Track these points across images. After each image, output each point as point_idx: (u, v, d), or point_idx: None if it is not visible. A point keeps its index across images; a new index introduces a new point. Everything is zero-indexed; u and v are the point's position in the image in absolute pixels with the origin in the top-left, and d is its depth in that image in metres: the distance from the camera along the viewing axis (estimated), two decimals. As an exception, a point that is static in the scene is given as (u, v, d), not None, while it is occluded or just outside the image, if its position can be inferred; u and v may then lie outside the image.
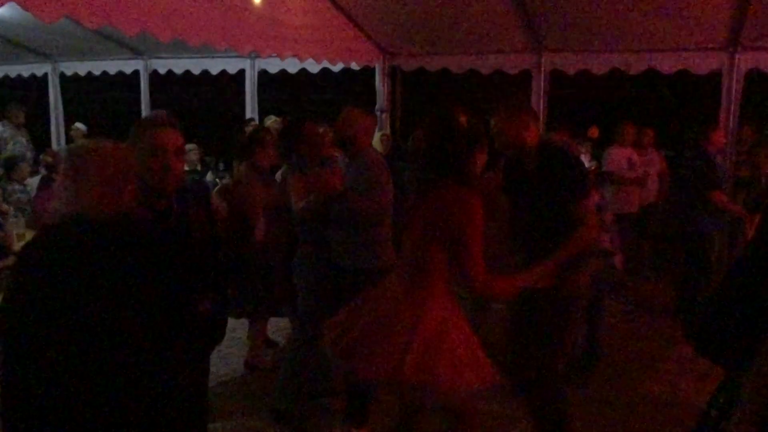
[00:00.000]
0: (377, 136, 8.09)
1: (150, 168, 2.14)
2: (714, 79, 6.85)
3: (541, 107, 7.35)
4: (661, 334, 5.25)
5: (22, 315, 1.74)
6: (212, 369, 4.18)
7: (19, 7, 3.80)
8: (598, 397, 4.06)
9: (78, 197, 1.80)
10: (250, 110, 8.51)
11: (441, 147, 2.54)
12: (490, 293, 2.56)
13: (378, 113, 8.52)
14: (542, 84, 7.38)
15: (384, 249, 3.46)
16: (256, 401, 3.89)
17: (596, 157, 7.40)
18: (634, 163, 6.65)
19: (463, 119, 2.58)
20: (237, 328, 4.99)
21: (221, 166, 7.80)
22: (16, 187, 6.24)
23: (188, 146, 7.78)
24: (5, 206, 5.27)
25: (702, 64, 6.73)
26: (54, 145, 9.43)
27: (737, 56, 6.58)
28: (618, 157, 6.67)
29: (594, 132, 7.97)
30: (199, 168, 7.62)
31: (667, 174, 7.00)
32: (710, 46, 6.61)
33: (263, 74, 8.51)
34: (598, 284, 4.12)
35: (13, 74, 9.57)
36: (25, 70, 9.41)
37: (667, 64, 6.84)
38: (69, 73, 9.28)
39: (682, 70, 6.82)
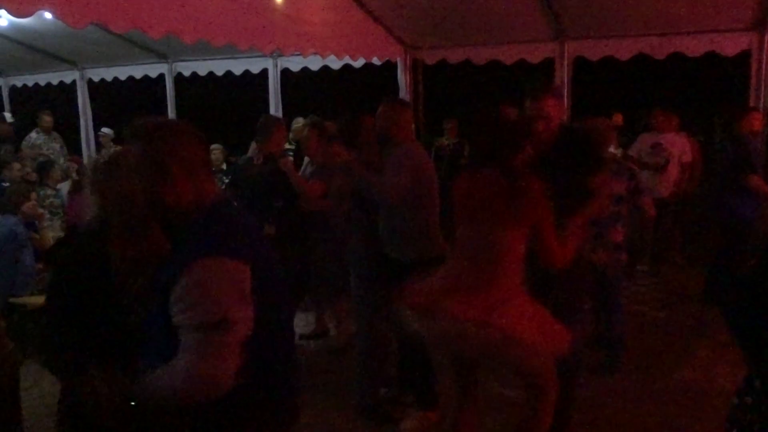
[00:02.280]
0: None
1: None
2: (742, 60, 6.71)
3: (565, 95, 7.29)
4: (695, 321, 5.19)
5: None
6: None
7: (45, 17, 3.89)
8: (632, 386, 4.04)
9: (101, 207, 1.85)
10: (274, 109, 8.57)
11: (497, 139, 2.75)
12: (565, 263, 2.73)
13: (401, 107, 8.52)
14: (566, 72, 7.31)
15: (428, 241, 3.49)
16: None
17: (623, 144, 7.31)
18: (661, 149, 6.54)
19: (512, 113, 2.80)
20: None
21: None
22: (49, 191, 6.39)
23: (213, 146, 7.89)
24: (40, 210, 5.40)
25: (730, 45, 6.59)
26: (84, 150, 9.63)
27: (767, 35, 6.43)
28: (642, 142, 6.60)
29: (618, 119, 7.87)
30: (224, 167, 7.72)
31: (700, 160, 6.88)
32: (738, 26, 6.48)
33: (286, 73, 8.57)
34: (609, 278, 4.10)
35: (42, 82, 9.79)
36: (54, 77, 9.62)
37: (694, 47, 6.71)
38: (96, 79, 9.45)
39: (710, 52, 6.70)
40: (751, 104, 6.52)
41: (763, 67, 6.50)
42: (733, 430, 1.71)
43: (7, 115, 8.91)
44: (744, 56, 6.62)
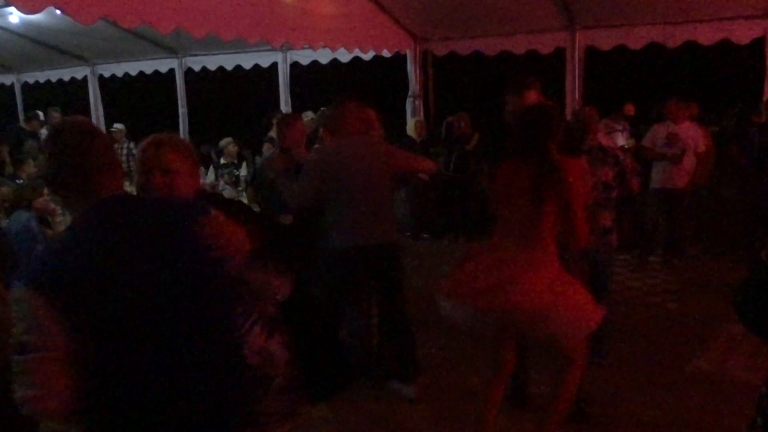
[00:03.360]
0: (412, 122, 8.09)
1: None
2: (756, 48, 6.63)
3: (577, 86, 7.23)
4: (709, 312, 5.13)
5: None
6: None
7: (56, 13, 3.91)
8: (644, 378, 4.01)
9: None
10: (284, 102, 8.58)
11: (542, 125, 2.92)
12: (586, 242, 2.96)
13: (411, 99, 8.51)
14: (577, 62, 7.25)
15: (342, 230, 3.62)
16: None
17: (635, 136, 7.25)
18: (676, 140, 6.45)
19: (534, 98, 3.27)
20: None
21: (257, 159, 7.90)
22: (63, 187, 6.43)
23: (225, 140, 7.92)
24: (52, 205, 5.44)
25: (743, 33, 6.52)
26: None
27: (781, 23, 6.36)
28: (656, 133, 6.52)
29: (630, 109, 7.80)
30: (236, 161, 7.76)
31: (713, 150, 6.80)
32: (752, 13, 6.39)
33: (295, 66, 8.57)
34: (600, 261, 4.05)
35: (54, 78, 9.86)
36: (65, 74, 9.69)
37: (707, 35, 6.64)
38: (107, 75, 9.51)
39: (723, 40, 6.62)
40: (766, 92, 6.44)
41: (777, 54, 6.43)
42: (758, 419, 1.69)
43: (40, 113, 9.03)
44: (758, 44, 6.54)
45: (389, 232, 3.74)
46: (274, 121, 7.84)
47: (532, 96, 3.41)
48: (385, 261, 3.73)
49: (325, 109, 5.66)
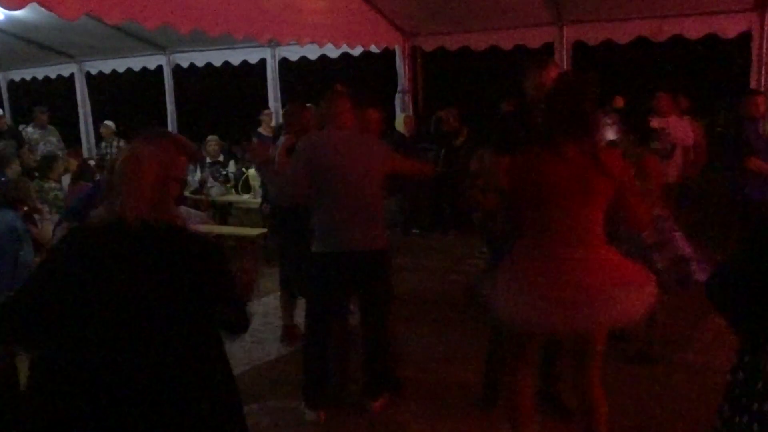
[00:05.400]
0: (401, 117, 8.08)
1: None
2: (743, 42, 6.66)
3: (565, 80, 7.23)
4: (696, 305, 5.16)
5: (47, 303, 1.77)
6: (246, 354, 4.31)
7: (42, 9, 3.87)
8: (632, 369, 4.03)
9: (123, 203, 1.81)
10: (273, 99, 8.55)
11: (579, 109, 2.52)
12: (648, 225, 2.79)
13: (400, 95, 8.50)
14: (565, 56, 7.26)
15: (326, 232, 3.36)
16: (289, 385, 3.95)
17: (624, 129, 7.26)
18: (665, 135, 6.46)
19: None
20: (269, 313, 5.07)
21: (246, 155, 7.87)
22: (53, 185, 6.38)
23: (209, 138, 7.89)
24: (40, 205, 5.40)
25: (730, 27, 6.55)
26: (84, 144, 9.64)
27: (767, 16, 6.38)
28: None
29: (619, 102, 7.81)
30: (221, 159, 7.72)
31: (704, 144, 6.83)
32: (738, 7, 6.42)
33: (284, 63, 8.54)
34: None
35: (40, 76, 9.79)
36: (52, 71, 9.62)
37: (694, 29, 6.67)
38: (94, 72, 9.45)
39: (710, 34, 6.65)
40: (752, 86, 6.48)
41: (764, 48, 6.46)
42: (725, 406, 1.72)
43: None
44: (744, 38, 6.57)
45: (378, 238, 3.42)
46: (261, 118, 7.84)
47: (554, 72, 3.03)
48: (371, 270, 3.42)
49: (311, 105, 5.60)
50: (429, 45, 8.08)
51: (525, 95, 3.19)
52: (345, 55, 7.92)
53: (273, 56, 8.42)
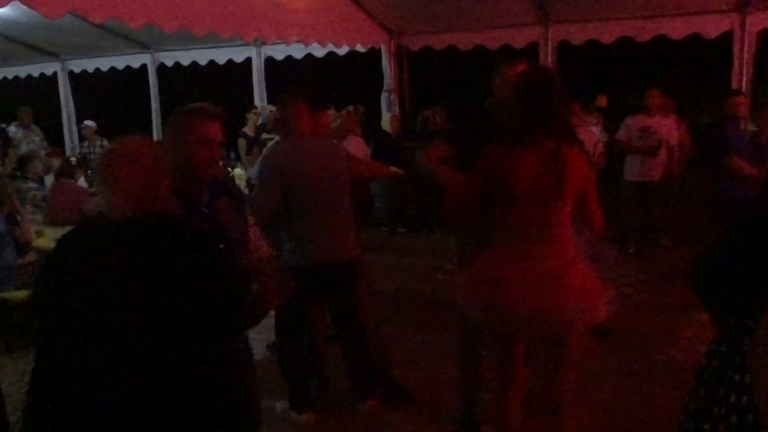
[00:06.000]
0: (387, 117, 8.09)
1: (196, 157, 2.17)
2: (725, 42, 6.75)
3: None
4: (679, 302, 5.23)
5: (50, 309, 1.79)
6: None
7: (25, 7, 3.83)
8: (615, 366, 4.07)
9: (110, 198, 1.81)
10: (259, 98, 8.53)
11: (548, 105, 2.49)
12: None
13: (386, 94, 8.51)
14: (550, 56, 7.31)
15: (298, 244, 3.24)
16: (276, 384, 3.94)
17: (609, 128, 7.33)
18: (651, 133, 6.51)
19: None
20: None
21: (232, 155, 7.85)
22: (32, 184, 6.32)
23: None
24: (18, 205, 5.36)
25: (712, 27, 6.64)
26: (67, 142, 9.55)
27: (748, 17, 6.47)
28: (630, 126, 6.59)
29: (602, 101, 7.88)
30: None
31: (689, 142, 6.91)
32: (720, 8, 6.51)
33: (270, 61, 8.52)
34: None
35: (23, 74, 9.68)
36: (34, 69, 9.52)
37: (677, 29, 6.75)
38: (78, 70, 9.36)
39: (692, 34, 6.73)
40: (734, 85, 6.57)
41: (745, 48, 6.55)
42: (701, 390, 1.75)
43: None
44: (726, 38, 6.66)
45: (350, 246, 3.35)
46: (248, 116, 7.82)
47: (522, 66, 2.92)
48: (346, 280, 3.38)
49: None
50: (415, 44, 8.10)
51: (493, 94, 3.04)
52: (331, 54, 7.92)
53: (259, 55, 8.39)
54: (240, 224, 2.38)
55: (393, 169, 4.14)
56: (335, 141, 3.80)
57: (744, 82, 6.62)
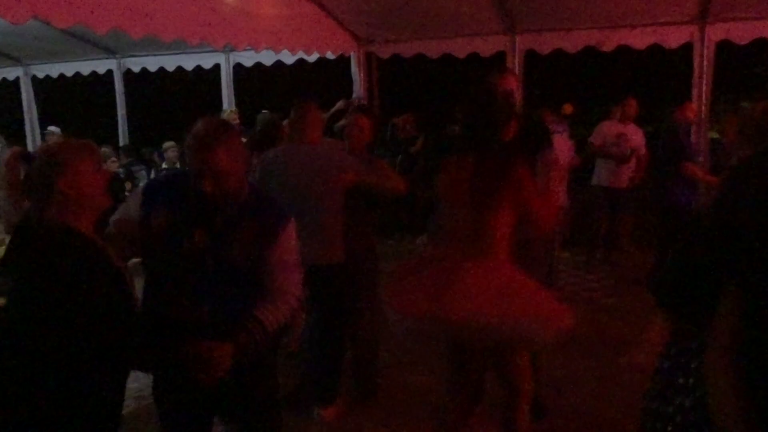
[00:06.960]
0: (356, 124, 8.11)
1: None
2: (685, 52, 6.94)
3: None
4: (644, 306, 5.34)
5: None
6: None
7: (-16, 11, 3.74)
8: (581, 370, 4.14)
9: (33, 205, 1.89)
10: (227, 105, 8.45)
11: (490, 118, 2.61)
12: (552, 224, 2.78)
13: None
14: (517, 64, 7.42)
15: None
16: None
17: (574, 136, 7.46)
18: (625, 140, 6.63)
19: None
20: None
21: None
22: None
23: (167, 144, 7.75)
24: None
25: (673, 37, 6.81)
26: (30, 149, 9.32)
27: (707, 28, 6.66)
28: (605, 131, 6.70)
29: (568, 108, 8.02)
30: (178, 165, 7.59)
31: (646, 151, 7.07)
32: (681, 19, 6.69)
33: (238, 68, 8.46)
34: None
35: (-17, 80, 9.45)
36: (-5, 75, 9.29)
37: (639, 40, 6.91)
38: (41, 75, 9.17)
39: (654, 44, 6.90)
40: (694, 94, 6.76)
41: (705, 58, 6.74)
42: (654, 391, 1.80)
43: None
44: (687, 48, 6.84)
45: (332, 252, 3.40)
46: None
47: (512, 82, 3.11)
48: (324, 285, 3.42)
49: (266, 111, 5.58)
50: (384, 52, 8.14)
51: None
52: (300, 61, 7.90)
53: (227, 61, 8.33)
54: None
55: (399, 183, 3.76)
56: (343, 148, 3.76)
57: (704, 92, 6.81)
